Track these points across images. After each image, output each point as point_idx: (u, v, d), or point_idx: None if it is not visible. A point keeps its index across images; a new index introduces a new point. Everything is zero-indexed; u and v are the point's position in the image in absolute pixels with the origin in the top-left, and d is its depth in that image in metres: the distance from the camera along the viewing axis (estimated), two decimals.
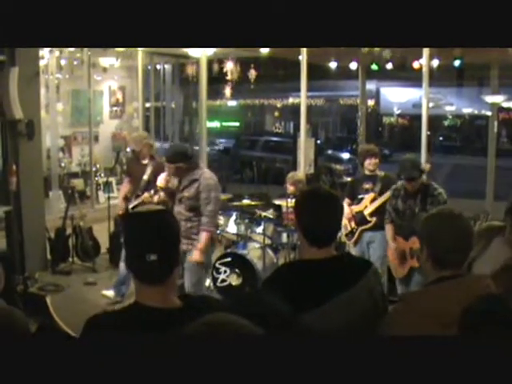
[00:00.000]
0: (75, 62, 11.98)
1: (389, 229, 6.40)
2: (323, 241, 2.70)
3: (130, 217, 2.30)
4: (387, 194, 6.81)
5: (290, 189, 7.57)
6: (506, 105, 21.05)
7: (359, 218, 7.07)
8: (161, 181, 6.24)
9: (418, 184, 6.04)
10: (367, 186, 7.06)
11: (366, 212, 7.00)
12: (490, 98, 14.65)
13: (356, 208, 7.09)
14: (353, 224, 7.11)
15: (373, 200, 6.98)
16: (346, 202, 7.19)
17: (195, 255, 5.98)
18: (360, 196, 7.10)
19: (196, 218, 6.06)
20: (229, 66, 11.36)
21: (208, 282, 7.76)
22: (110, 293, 7.51)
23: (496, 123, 14.76)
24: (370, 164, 7.03)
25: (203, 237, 6.00)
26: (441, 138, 31.23)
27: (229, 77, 11.53)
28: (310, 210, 2.73)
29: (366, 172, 7.12)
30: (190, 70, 12.37)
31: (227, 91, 12.36)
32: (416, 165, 6.12)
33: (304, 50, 9.21)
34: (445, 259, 2.59)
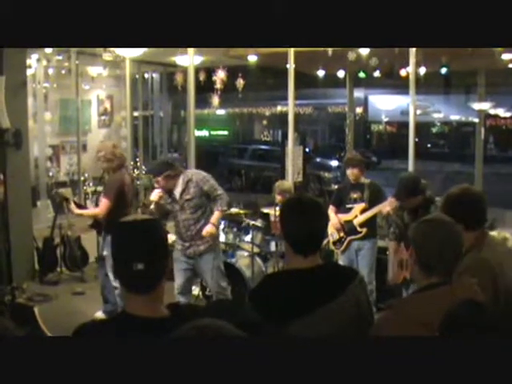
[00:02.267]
0: (63, 71, 11.93)
1: (391, 245, 6.27)
2: (308, 249, 2.72)
3: (118, 225, 2.28)
4: (379, 207, 6.78)
5: (278, 198, 7.55)
6: (492, 112, 21.22)
7: (348, 228, 7.06)
8: (154, 195, 6.28)
9: (417, 200, 5.73)
10: (355, 195, 7.04)
11: (356, 222, 6.98)
12: (477, 105, 14.75)
13: (345, 217, 7.07)
14: (341, 233, 7.09)
15: (363, 210, 6.97)
16: (331, 210, 7.17)
17: (209, 228, 6.22)
18: (348, 205, 7.08)
19: (203, 215, 6.30)
20: (220, 75, 11.36)
21: (197, 290, 7.75)
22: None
23: (483, 130, 14.85)
24: (350, 174, 7.05)
25: (216, 214, 6.30)
26: (429, 145, 31.36)
27: (218, 85, 11.53)
28: (294, 218, 2.75)
29: (351, 180, 7.11)
30: (179, 78, 12.36)
31: (215, 100, 12.34)
32: (405, 185, 5.81)
33: (291, 58, 9.22)
34: (431, 265, 2.62)
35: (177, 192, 6.24)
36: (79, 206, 7.56)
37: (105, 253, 6.91)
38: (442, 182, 15.95)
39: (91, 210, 7.38)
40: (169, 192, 6.27)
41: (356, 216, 6.98)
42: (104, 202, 6.84)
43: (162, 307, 2.24)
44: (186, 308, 2.42)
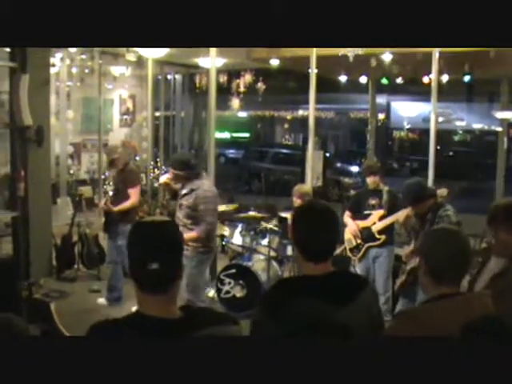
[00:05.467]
0: (86, 70, 12.03)
1: (408, 247, 6.26)
2: (319, 256, 2.68)
3: (134, 226, 2.30)
4: (397, 215, 6.69)
5: (297, 202, 7.51)
6: None
7: (366, 235, 7.00)
8: (161, 179, 6.58)
9: (427, 206, 5.76)
10: (373, 201, 6.99)
11: (375, 229, 6.92)
12: (500, 114, 14.63)
13: (363, 224, 7.01)
14: (359, 240, 7.04)
15: (382, 217, 6.92)
16: (348, 216, 7.13)
17: None
18: (366, 212, 7.04)
19: (192, 225, 6.19)
20: (246, 78, 11.42)
21: (212, 292, 7.75)
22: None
23: (506, 139, 14.74)
24: (371, 181, 7.03)
25: (192, 234, 6.14)
26: (451, 153, 31.13)
27: (242, 88, 11.57)
28: (305, 225, 2.72)
29: (370, 187, 7.08)
30: (203, 80, 12.42)
31: (237, 102, 12.37)
32: (409, 192, 5.86)
33: (313, 63, 9.22)
34: (441, 274, 2.61)
35: (181, 192, 6.31)
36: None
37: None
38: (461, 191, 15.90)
39: (127, 203, 7.72)
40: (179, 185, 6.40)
41: (374, 223, 6.93)
42: (136, 190, 7.72)
43: (176, 308, 2.24)
44: (199, 311, 2.41)
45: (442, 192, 6.48)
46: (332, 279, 2.67)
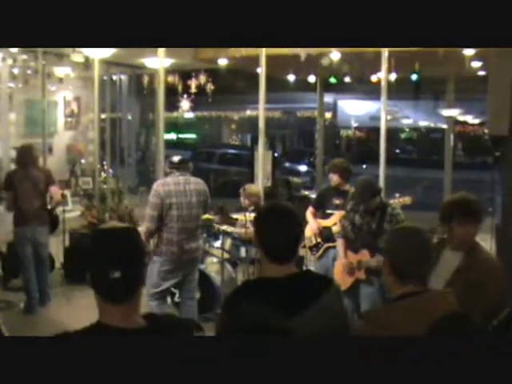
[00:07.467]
0: (29, 71, 11.74)
1: (340, 244, 6.15)
2: (283, 257, 2.70)
3: (94, 233, 2.22)
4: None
5: (245, 202, 7.46)
6: (461, 118, 21.44)
7: (326, 234, 6.96)
8: None
9: (375, 203, 5.74)
10: (337, 201, 6.92)
11: (335, 230, 6.84)
12: (446, 112, 14.87)
13: (324, 223, 7.00)
14: (318, 239, 6.99)
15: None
16: (310, 213, 7.08)
17: None
18: (329, 211, 6.99)
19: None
20: (200, 79, 11.34)
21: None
22: None
23: (452, 136, 14.99)
24: (331, 179, 6.99)
25: None
26: (397, 151, 31.61)
27: (193, 89, 11.48)
28: (269, 226, 2.73)
29: (333, 184, 7.03)
30: (149, 81, 12.27)
31: (186, 103, 12.28)
32: (366, 187, 5.81)
33: (263, 62, 9.13)
34: (406, 272, 2.66)
35: None
36: None
37: None
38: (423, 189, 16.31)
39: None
40: None
41: (335, 223, 6.85)
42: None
43: (139, 317, 2.18)
44: (163, 319, 2.33)
45: (406, 201, 6.51)
46: (295, 281, 2.68)
